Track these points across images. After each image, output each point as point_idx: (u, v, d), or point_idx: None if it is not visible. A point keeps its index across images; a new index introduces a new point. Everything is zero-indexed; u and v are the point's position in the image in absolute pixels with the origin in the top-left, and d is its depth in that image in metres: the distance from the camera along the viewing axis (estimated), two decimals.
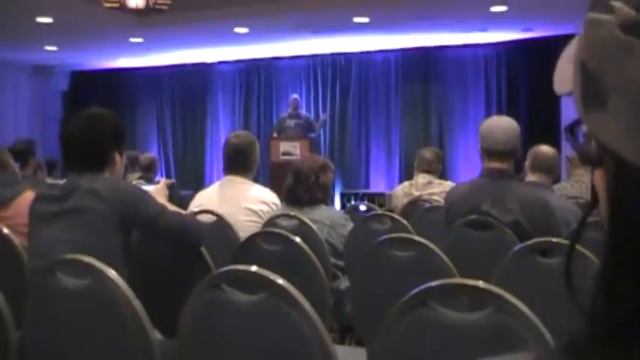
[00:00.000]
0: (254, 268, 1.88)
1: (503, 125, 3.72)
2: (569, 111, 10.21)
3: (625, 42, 0.47)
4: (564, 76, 0.56)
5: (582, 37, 0.52)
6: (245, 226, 3.96)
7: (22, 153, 6.21)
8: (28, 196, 3.59)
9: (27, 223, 3.01)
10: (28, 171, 6.26)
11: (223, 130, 14.10)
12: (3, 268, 2.89)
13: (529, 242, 2.91)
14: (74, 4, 9.59)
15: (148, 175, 8.41)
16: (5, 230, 3.28)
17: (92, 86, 15.15)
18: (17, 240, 3.25)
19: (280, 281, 1.82)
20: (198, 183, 12.89)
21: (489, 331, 1.59)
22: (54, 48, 13.00)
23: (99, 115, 3.05)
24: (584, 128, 0.55)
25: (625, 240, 0.50)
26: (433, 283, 1.71)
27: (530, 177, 4.56)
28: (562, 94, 0.58)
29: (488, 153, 3.71)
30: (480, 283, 1.67)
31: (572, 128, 0.56)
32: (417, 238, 3.04)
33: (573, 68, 0.53)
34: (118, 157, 2.99)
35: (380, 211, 5.29)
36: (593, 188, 0.57)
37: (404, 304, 1.72)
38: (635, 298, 0.49)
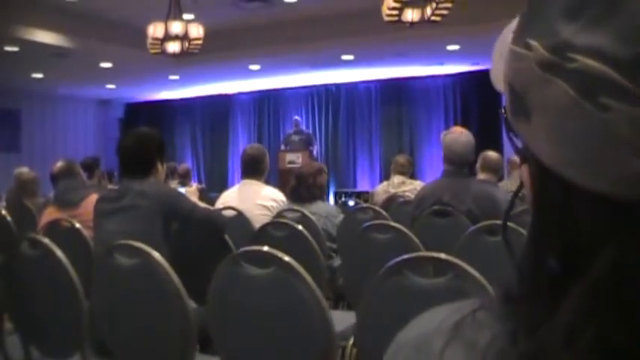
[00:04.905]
0: (265, 247, 1.88)
1: (462, 140, 3.68)
2: None
3: (541, 77, 0.46)
4: (498, 73, 0.55)
5: (508, 61, 0.51)
6: (259, 218, 3.94)
7: (90, 166, 6.23)
8: (93, 197, 3.59)
9: (92, 218, 3.01)
10: (94, 180, 6.26)
11: (241, 145, 14.03)
12: (75, 254, 2.87)
13: (479, 225, 2.91)
14: (128, 52, 9.72)
15: (184, 182, 8.40)
16: (77, 225, 3.33)
17: (141, 113, 15.18)
18: (86, 232, 3.26)
19: (286, 258, 1.81)
20: (222, 187, 12.84)
21: (450, 293, 1.58)
22: (113, 86, 13.19)
23: (146, 133, 3.03)
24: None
25: (544, 220, 0.51)
26: (406, 256, 1.70)
27: (480, 175, 4.55)
28: (499, 90, 0.57)
29: (449, 160, 3.70)
30: (442, 255, 1.66)
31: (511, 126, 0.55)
32: (393, 223, 3.03)
33: (503, 84, 0.52)
34: (160, 166, 2.97)
35: (364, 205, 5.27)
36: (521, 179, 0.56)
37: (384, 272, 1.71)
38: (553, 262, 0.49)
